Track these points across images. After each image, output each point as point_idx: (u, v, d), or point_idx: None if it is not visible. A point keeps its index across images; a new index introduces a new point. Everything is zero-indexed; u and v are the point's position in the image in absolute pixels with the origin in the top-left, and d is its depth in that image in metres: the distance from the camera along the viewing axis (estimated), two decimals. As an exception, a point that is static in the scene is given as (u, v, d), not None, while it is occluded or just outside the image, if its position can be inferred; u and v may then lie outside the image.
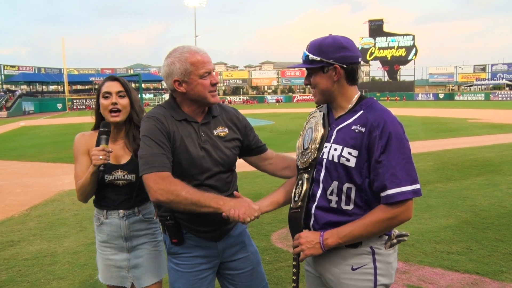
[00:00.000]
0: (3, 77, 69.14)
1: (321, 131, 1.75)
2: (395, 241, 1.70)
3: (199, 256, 1.99)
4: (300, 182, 1.78)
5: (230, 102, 70.21)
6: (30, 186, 8.04)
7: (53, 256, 4.37)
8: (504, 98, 61.98)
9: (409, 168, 1.57)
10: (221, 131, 1.99)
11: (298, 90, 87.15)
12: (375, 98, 1.76)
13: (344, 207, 1.66)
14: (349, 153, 1.61)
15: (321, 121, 1.77)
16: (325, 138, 1.72)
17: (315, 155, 1.72)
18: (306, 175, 1.76)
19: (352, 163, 1.61)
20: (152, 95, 71.99)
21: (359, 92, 1.75)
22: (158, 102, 68.42)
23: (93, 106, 2.29)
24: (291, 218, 1.81)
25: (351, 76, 1.68)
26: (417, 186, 1.57)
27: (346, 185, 1.64)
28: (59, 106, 61.45)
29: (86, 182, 2.09)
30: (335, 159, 1.64)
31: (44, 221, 5.63)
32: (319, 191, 1.70)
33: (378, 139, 1.57)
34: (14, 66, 71.42)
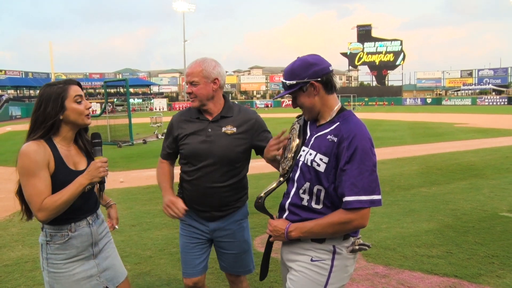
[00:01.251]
0: (-11, 81, 68.34)
1: (296, 141, 1.95)
2: (356, 247, 1.84)
3: (193, 227, 2.53)
4: (274, 181, 2.01)
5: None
6: (13, 191, 7.93)
7: (34, 261, 4.32)
8: (490, 103, 62.81)
9: (370, 179, 1.71)
10: (229, 129, 2.39)
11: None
12: (353, 111, 1.91)
13: (314, 205, 1.84)
14: (320, 159, 1.79)
15: (297, 132, 1.97)
16: (300, 148, 1.92)
17: (291, 163, 1.93)
18: (281, 178, 2.00)
19: (322, 168, 1.79)
20: (140, 100, 71.65)
21: (339, 104, 1.90)
22: (146, 106, 68.29)
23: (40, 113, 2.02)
24: (258, 207, 2.03)
25: (328, 86, 1.85)
26: (376, 196, 1.72)
27: (317, 186, 1.82)
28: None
29: (73, 197, 1.94)
30: (308, 163, 1.82)
31: (27, 227, 5.57)
32: (293, 190, 1.89)
33: (346, 150, 1.72)
34: (0, 71, 70.68)
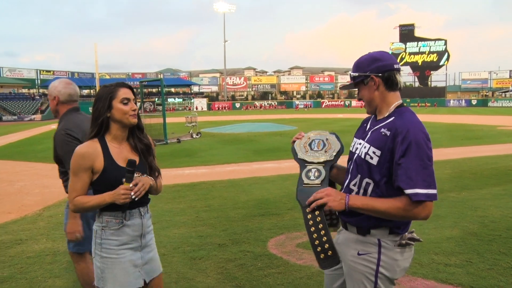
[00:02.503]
0: (39, 82, 71.59)
1: (339, 146, 2.06)
2: (403, 242, 1.86)
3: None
4: (315, 169, 1.98)
5: (261, 106, 70.45)
6: (48, 187, 8.29)
7: (54, 255, 4.50)
8: (541, 105, 59.65)
9: (426, 173, 1.73)
10: None
11: (326, 96, 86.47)
12: (411, 108, 1.94)
13: (364, 193, 1.90)
14: (374, 152, 1.85)
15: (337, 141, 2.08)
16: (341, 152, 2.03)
17: (331, 158, 2.00)
18: (322, 167, 1.98)
19: (374, 161, 1.84)
20: (181, 100, 72.98)
21: (400, 100, 1.96)
22: (186, 106, 69.45)
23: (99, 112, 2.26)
24: (304, 191, 1.91)
25: (389, 83, 1.92)
26: (432, 191, 1.74)
27: (366, 180, 1.88)
28: (91, 109, 62.91)
29: (97, 206, 2.17)
30: (362, 156, 1.90)
31: (54, 221, 5.79)
32: (347, 181, 1.97)
33: (400, 144, 1.76)
34: (49, 71, 73.82)
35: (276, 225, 5.26)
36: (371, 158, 1.84)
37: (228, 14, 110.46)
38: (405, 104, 1.96)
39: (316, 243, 1.81)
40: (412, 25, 79.27)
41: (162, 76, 71.83)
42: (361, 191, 1.88)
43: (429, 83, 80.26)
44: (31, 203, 6.95)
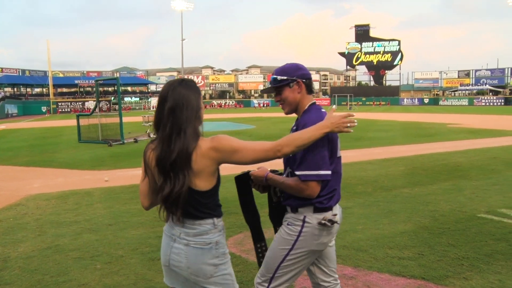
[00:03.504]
0: (-14, 79, 68.21)
1: None
2: (322, 222, 2.19)
3: None
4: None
5: (220, 105, 70.11)
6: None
7: (4, 261, 4.31)
8: (487, 104, 62.89)
9: (315, 158, 2.08)
10: None
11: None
12: (318, 105, 2.31)
13: None
14: None
15: None
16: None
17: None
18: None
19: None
20: (138, 99, 71.52)
21: (314, 100, 2.32)
22: (143, 105, 68.12)
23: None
24: (275, 212, 2.41)
25: (309, 88, 2.30)
26: (322, 172, 2.09)
27: (288, 169, 2.29)
28: (44, 109, 60.73)
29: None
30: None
31: (4, 226, 5.55)
32: (285, 174, 2.32)
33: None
34: (-2, 68, 70.50)
35: (235, 224, 5.27)
36: None
37: (185, 12, 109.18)
38: (316, 103, 2.31)
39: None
40: (367, 25, 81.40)
41: (118, 75, 70.20)
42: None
43: (384, 82, 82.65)
44: (-21, 207, 6.62)
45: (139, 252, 4.45)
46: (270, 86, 2.33)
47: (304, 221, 2.20)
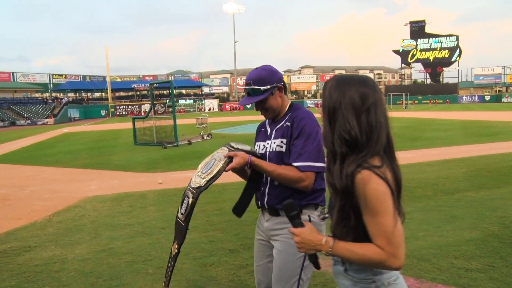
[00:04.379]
0: (52, 86, 72.39)
1: (219, 166, 2.18)
2: (326, 216, 1.93)
3: None
4: (186, 199, 2.24)
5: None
6: (58, 191, 8.26)
7: (62, 262, 4.41)
8: (557, 100, 58.59)
9: (316, 150, 2.10)
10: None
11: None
12: (300, 104, 2.36)
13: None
14: (281, 142, 2.20)
15: (223, 160, 2.19)
16: (221, 173, 2.17)
17: (202, 184, 2.18)
18: (191, 195, 2.22)
19: (284, 148, 2.20)
20: (192, 101, 73.14)
21: (290, 101, 2.35)
22: (197, 107, 69.53)
23: None
24: (176, 226, 2.35)
25: (285, 89, 2.32)
26: (320, 164, 2.09)
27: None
28: (103, 112, 63.53)
29: None
30: (275, 149, 2.22)
31: (63, 227, 5.72)
32: (269, 178, 2.24)
33: (295, 129, 2.16)
34: (61, 75, 74.66)
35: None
36: (281, 147, 2.19)
37: (237, 15, 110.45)
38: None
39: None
40: (423, 21, 78.55)
41: (173, 78, 72.12)
42: None
43: (441, 79, 79.37)
44: (41, 209, 6.89)
45: (191, 257, 4.40)
46: (252, 97, 2.24)
47: (309, 221, 2.18)
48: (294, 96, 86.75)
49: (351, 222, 1.45)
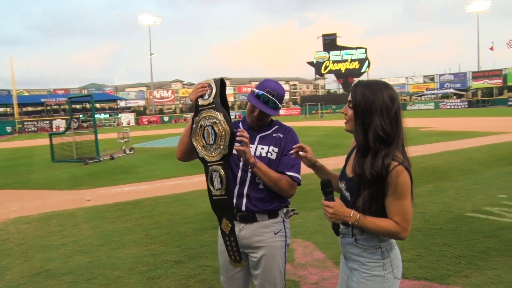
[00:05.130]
0: None
1: (228, 129, 1.96)
2: (291, 214, 2.45)
3: None
4: (216, 173, 2.02)
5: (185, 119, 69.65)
6: None
7: None
8: (452, 107, 64.88)
9: (300, 165, 2.34)
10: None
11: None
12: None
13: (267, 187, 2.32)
14: (273, 150, 2.35)
15: (225, 120, 1.97)
16: (234, 136, 1.98)
17: (226, 151, 1.98)
18: (220, 167, 2.01)
19: (273, 156, 2.35)
20: (107, 115, 70.30)
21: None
22: (113, 122, 67.01)
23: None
24: (218, 204, 2.08)
25: None
26: (299, 176, 2.34)
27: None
28: (9, 129, 58.86)
29: None
30: (263, 154, 2.33)
31: None
32: (248, 178, 2.32)
33: (289, 142, 2.36)
34: (-41, 89, 68.09)
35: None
36: (271, 154, 2.33)
37: (153, 27, 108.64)
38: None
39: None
40: (334, 34, 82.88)
41: (86, 92, 68.95)
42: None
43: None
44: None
45: (136, 271, 4.33)
46: (268, 108, 2.28)
47: (283, 221, 2.41)
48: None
49: (379, 202, 1.76)
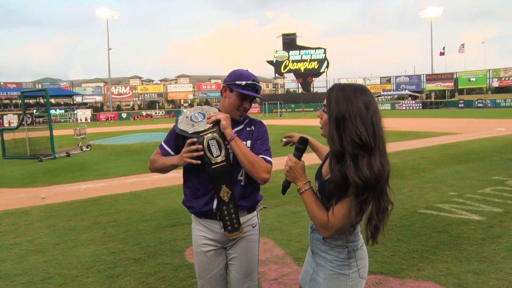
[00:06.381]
0: None
1: (215, 109, 2.41)
2: (261, 207, 2.56)
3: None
4: (213, 141, 2.24)
5: (151, 116, 68.48)
6: None
7: None
8: (407, 108, 67.30)
9: (269, 149, 2.38)
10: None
11: (214, 104, 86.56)
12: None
13: (248, 182, 2.36)
14: (249, 142, 2.37)
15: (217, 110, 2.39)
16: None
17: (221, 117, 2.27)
18: (216, 134, 2.24)
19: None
20: (62, 111, 67.95)
21: None
22: (69, 118, 64.89)
23: None
24: (217, 173, 2.22)
25: None
26: (271, 159, 2.35)
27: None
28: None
29: None
30: None
31: None
32: (235, 173, 2.33)
33: (260, 133, 2.41)
34: None
35: (189, 235, 5.19)
36: (248, 147, 2.33)
37: (111, 21, 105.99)
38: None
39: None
40: (294, 34, 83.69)
41: (40, 86, 66.32)
42: (245, 178, 2.33)
43: (312, 89, 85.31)
44: None
45: (94, 270, 4.25)
46: (261, 97, 2.46)
47: (257, 215, 2.51)
48: (170, 105, 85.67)
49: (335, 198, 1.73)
